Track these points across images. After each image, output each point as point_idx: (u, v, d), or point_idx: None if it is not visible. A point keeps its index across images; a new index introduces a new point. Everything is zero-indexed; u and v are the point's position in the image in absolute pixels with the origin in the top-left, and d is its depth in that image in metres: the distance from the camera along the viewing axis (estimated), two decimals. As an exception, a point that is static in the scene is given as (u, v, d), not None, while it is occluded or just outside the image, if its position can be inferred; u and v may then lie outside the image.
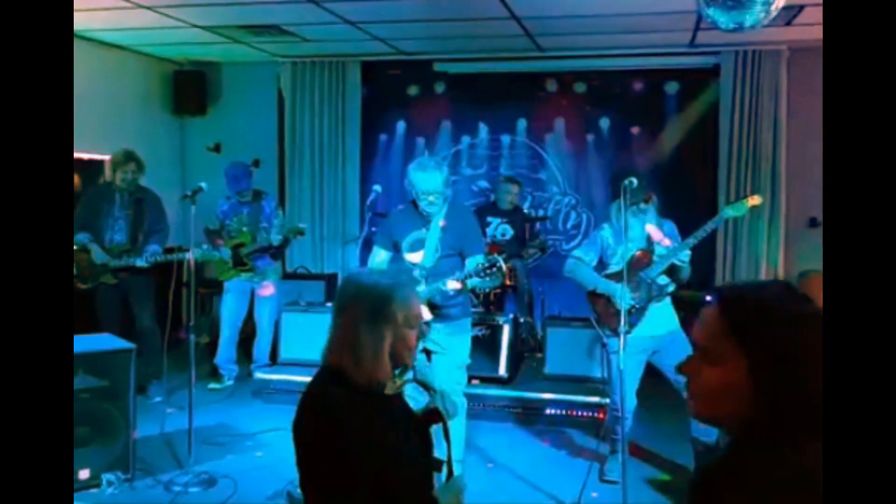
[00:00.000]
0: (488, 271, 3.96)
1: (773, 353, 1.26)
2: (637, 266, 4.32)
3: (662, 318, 4.35)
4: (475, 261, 4.13)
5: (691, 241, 4.27)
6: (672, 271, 4.35)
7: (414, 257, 4.27)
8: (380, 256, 4.34)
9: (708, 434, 4.28)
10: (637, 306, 4.30)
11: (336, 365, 2.05)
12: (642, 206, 4.32)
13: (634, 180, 3.96)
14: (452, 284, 4.02)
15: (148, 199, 5.96)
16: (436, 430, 2.22)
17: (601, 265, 4.50)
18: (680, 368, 1.38)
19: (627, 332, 3.96)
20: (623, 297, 4.08)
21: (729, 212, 4.38)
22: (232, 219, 6.29)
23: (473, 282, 4.11)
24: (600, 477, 4.52)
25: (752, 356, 1.27)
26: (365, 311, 2.02)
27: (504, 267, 3.99)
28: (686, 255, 4.27)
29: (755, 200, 4.41)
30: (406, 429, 2.13)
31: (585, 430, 5.38)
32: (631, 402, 4.34)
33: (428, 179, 4.11)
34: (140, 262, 5.65)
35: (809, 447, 1.21)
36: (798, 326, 1.28)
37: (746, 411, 1.27)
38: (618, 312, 4.14)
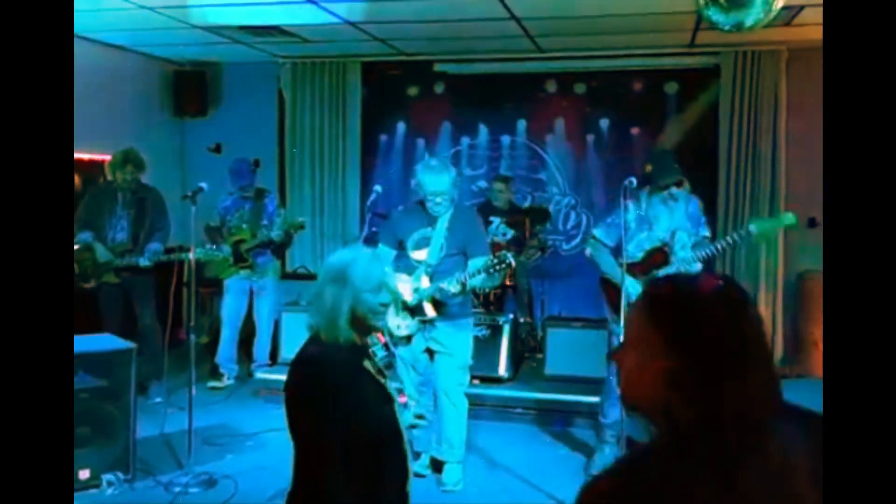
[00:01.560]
0: (498, 267, 4.00)
1: (698, 345, 1.22)
2: (653, 263, 4.27)
3: None
4: (478, 262, 4.15)
5: (709, 251, 4.19)
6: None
7: (419, 255, 4.31)
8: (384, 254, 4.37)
9: None
10: None
11: (311, 327, 2.38)
12: (674, 191, 4.16)
13: (634, 180, 3.92)
14: (454, 287, 4.04)
15: (150, 197, 5.96)
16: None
17: (617, 250, 4.46)
18: (611, 356, 1.38)
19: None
20: (634, 293, 4.08)
21: (753, 228, 4.16)
22: (233, 215, 6.30)
23: (474, 281, 4.13)
24: (585, 472, 4.53)
25: (677, 347, 1.22)
26: (329, 276, 2.37)
27: (513, 262, 4.02)
28: (697, 267, 4.21)
29: (788, 221, 4.21)
30: (374, 387, 2.38)
31: (585, 430, 5.37)
32: None
33: (436, 181, 4.19)
34: (143, 262, 5.65)
35: (731, 439, 1.17)
36: (722, 320, 1.23)
37: (665, 403, 1.23)
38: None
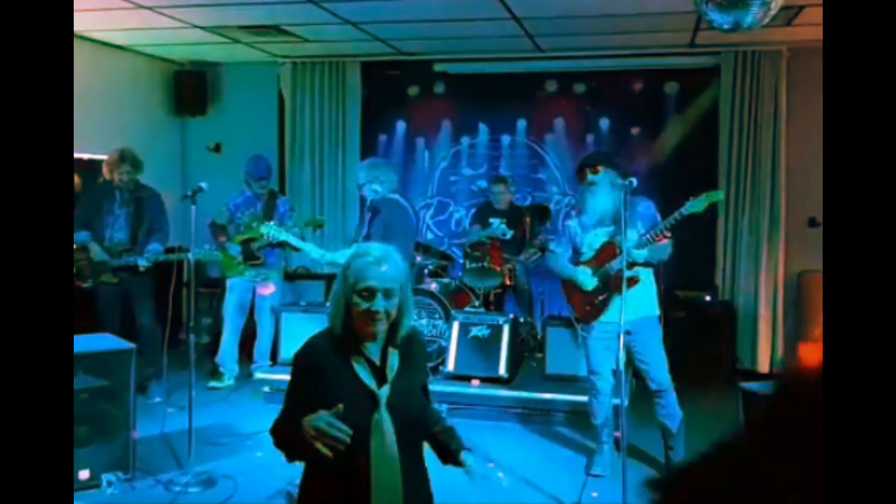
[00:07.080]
0: None
1: None
2: (602, 259, 4.39)
3: (635, 304, 4.21)
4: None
5: (650, 235, 4.24)
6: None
7: None
8: None
9: (672, 419, 4.32)
10: (602, 296, 4.38)
11: None
12: (590, 176, 4.30)
13: (634, 181, 3.94)
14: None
15: (148, 196, 5.96)
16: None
17: (576, 254, 4.55)
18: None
19: (589, 320, 4.38)
20: (585, 280, 4.37)
21: (688, 207, 4.20)
22: (244, 212, 6.27)
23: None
24: (585, 472, 4.55)
25: None
26: (342, 269, 2.37)
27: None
28: (641, 254, 4.23)
29: (714, 197, 4.29)
30: (351, 388, 2.27)
31: (585, 430, 5.37)
32: (606, 383, 4.46)
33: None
34: (142, 262, 5.64)
35: None
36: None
37: None
38: (584, 300, 4.43)
